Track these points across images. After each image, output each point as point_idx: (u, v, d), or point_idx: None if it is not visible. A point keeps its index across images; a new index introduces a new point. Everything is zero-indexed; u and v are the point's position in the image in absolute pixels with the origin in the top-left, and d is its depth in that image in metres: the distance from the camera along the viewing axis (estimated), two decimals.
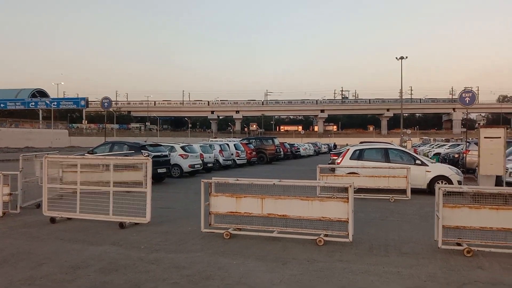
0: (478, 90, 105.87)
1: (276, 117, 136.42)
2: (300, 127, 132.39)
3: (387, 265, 5.66)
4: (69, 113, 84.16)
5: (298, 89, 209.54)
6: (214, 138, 52.25)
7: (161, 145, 18.10)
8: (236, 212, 7.17)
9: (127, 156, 13.89)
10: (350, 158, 14.37)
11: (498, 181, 11.58)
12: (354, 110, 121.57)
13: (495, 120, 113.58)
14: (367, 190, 12.36)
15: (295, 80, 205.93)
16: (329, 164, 18.78)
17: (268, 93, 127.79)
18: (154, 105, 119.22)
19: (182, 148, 19.70)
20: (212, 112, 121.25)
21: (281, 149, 34.62)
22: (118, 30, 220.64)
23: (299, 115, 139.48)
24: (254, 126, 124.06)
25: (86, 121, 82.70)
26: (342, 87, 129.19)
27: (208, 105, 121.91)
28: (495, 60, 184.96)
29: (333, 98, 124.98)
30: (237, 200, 7.13)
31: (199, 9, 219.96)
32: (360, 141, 35.86)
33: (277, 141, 34.32)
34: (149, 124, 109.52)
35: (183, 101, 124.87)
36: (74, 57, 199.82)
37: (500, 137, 11.36)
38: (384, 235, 7.44)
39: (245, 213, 7.12)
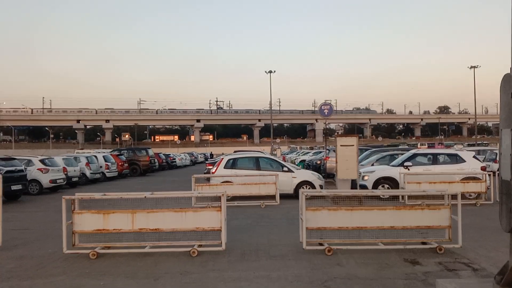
0: (336, 102, 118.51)
1: (150, 126, 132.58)
2: (176, 137, 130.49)
3: (257, 269, 5.88)
4: None
5: (174, 98, 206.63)
6: (81, 149, 48.05)
7: (15, 159, 16.09)
8: (103, 230, 6.70)
9: None
10: (224, 167, 14.67)
11: (354, 184, 13.01)
12: (228, 120, 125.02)
13: (351, 129, 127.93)
14: (240, 197, 12.79)
15: (170, 89, 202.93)
16: (204, 173, 18.86)
17: (141, 102, 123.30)
18: (1, 112, 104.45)
19: (41, 161, 17.83)
20: (78, 121, 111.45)
21: (156, 160, 33.69)
22: None
23: (175, 125, 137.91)
24: (127, 136, 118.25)
25: None
26: (217, 98, 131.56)
27: (67, 113, 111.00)
28: (352, 76, 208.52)
29: (209, 108, 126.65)
30: (105, 216, 6.67)
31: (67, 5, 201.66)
32: (234, 150, 36.89)
33: (151, 151, 33.29)
34: (1, 134, 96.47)
35: (43, 108, 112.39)
36: None
37: (353, 145, 12.78)
38: (255, 241, 7.72)
39: (114, 229, 6.70)
